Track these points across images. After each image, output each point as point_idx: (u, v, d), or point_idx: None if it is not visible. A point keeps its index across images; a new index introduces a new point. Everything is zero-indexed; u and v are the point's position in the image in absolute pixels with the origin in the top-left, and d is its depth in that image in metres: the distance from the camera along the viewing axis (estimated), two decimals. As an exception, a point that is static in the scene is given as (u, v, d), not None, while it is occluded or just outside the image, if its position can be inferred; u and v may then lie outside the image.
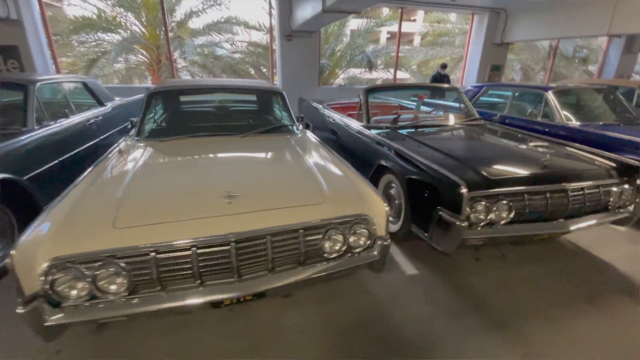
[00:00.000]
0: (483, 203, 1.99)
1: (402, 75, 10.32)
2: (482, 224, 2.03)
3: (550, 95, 4.14)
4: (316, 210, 1.70)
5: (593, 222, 2.25)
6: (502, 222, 2.05)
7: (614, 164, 2.44)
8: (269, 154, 2.46)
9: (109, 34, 8.20)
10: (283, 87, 7.12)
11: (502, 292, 2.22)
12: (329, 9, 4.07)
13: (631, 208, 2.38)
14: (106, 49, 8.03)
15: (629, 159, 2.47)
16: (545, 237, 2.26)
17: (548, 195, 2.09)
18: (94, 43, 7.99)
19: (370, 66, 8.23)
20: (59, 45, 7.41)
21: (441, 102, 4.14)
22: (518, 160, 2.38)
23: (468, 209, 1.97)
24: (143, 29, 8.59)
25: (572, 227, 2.13)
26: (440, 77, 8.04)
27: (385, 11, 10.52)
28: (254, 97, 3.60)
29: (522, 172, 2.17)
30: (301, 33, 6.43)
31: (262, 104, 3.50)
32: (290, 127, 3.02)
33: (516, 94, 4.71)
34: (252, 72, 9.50)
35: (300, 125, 3.49)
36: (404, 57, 11.41)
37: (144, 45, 8.70)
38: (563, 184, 2.13)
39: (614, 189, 2.29)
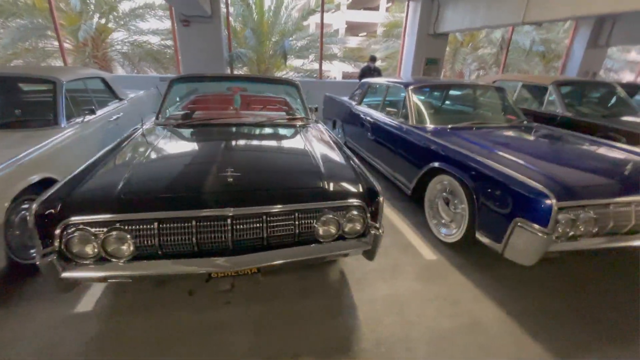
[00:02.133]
0: (94, 233, 1.48)
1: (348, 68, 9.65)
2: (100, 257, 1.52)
3: (409, 92, 3.52)
4: None
5: (286, 259, 1.68)
6: (123, 259, 1.53)
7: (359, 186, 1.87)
8: None
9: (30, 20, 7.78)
10: None
11: (158, 344, 1.70)
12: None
13: (367, 239, 1.81)
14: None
15: (372, 181, 1.88)
16: (230, 273, 1.71)
17: (194, 223, 1.55)
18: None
19: (285, 57, 7.59)
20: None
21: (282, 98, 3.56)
22: (201, 176, 1.81)
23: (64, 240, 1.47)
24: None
25: (238, 266, 1.59)
26: (370, 70, 7.38)
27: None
28: (30, 87, 3.14)
29: (170, 192, 1.64)
30: (197, 18, 5.88)
31: (30, 93, 3.03)
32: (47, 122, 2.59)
33: (389, 90, 4.09)
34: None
35: (80, 119, 3.03)
36: (357, 48, 10.69)
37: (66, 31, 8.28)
38: (225, 209, 1.58)
39: (330, 215, 1.72)
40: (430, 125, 3.25)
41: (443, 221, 2.72)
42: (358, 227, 1.78)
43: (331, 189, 1.78)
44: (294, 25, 8.44)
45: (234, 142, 2.40)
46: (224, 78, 3.34)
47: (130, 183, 1.65)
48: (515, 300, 2.11)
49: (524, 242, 1.93)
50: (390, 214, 3.26)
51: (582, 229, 1.89)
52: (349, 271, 2.34)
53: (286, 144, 2.48)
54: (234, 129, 2.67)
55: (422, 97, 3.60)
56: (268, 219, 1.63)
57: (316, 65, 10.15)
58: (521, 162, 2.27)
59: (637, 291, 2.21)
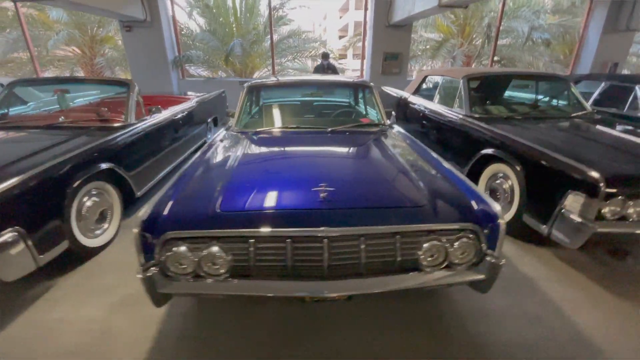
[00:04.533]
0: None
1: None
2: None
3: (242, 93, 3.15)
4: None
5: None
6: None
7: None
8: None
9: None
10: (135, 80, 6.85)
11: None
12: None
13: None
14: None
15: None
16: None
17: None
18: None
19: (227, 58, 7.37)
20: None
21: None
22: None
23: None
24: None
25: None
26: (324, 68, 6.91)
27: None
28: None
29: None
30: (137, 23, 6.09)
31: None
32: None
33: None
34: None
35: None
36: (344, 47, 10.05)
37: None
38: None
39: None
40: (250, 130, 2.87)
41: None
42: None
43: None
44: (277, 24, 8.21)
45: None
46: (58, 81, 3.38)
47: None
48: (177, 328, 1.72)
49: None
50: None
51: (209, 268, 1.45)
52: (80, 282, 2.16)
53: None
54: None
55: (258, 99, 3.21)
56: None
57: (296, 64, 9.93)
58: (230, 178, 1.83)
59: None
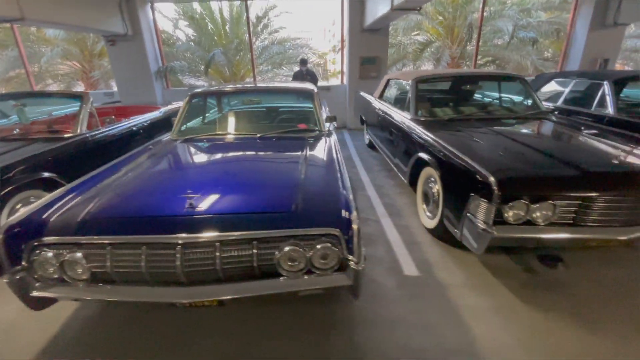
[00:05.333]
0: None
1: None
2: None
3: (185, 100, 3.25)
4: None
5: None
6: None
7: None
8: None
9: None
10: (120, 92, 7.15)
11: None
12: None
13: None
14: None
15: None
16: None
17: None
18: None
19: (207, 69, 7.51)
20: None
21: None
22: None
23: None
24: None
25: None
26: (302, 75, 6.95)
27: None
28: None
29: None
30: (120, 37, 6.36)
31: None
32: None
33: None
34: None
35: None
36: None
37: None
38: None
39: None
40: (181, 138, 2.94)
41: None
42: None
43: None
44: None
45: None
46: (20, 95, 3.60)
47: None
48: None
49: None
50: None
51: (72, 273, 1.52)
52: None
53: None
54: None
55: (204, 108, 3.30)
56: None
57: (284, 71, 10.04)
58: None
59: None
